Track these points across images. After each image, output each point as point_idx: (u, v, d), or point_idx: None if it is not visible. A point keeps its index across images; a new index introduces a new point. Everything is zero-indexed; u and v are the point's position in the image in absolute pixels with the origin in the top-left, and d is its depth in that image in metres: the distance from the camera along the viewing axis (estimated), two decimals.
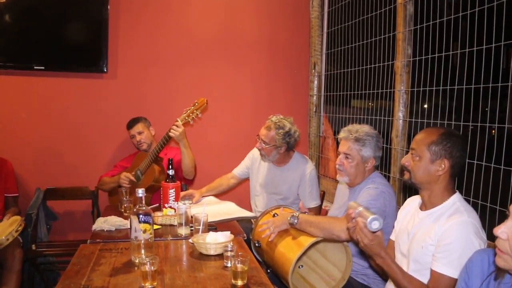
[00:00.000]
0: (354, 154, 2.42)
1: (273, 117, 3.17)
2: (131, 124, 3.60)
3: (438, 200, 1.85)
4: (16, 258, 3.09)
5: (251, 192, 3.47)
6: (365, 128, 2.45)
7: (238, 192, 3.78)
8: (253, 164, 3.45)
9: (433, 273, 1.73)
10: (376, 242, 1.75)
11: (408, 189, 2.80)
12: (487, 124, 2.24)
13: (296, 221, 2.27)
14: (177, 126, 3.11)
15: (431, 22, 2.63)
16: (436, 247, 1.75)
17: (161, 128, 3.56)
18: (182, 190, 3.24)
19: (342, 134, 2.50)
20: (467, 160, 2.29)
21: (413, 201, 2.05)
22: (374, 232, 1.74)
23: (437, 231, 1.77)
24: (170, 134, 3.11)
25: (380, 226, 1.70)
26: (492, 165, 2.17)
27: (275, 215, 2.51)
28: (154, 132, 3.65)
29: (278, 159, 3.21)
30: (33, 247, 3.49)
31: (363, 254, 2.19)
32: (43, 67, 3.76)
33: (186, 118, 3.10)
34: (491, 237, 1.81)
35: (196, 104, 3.10)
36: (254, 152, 3.44)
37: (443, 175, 1.83)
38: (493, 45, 2.17)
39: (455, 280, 1.66)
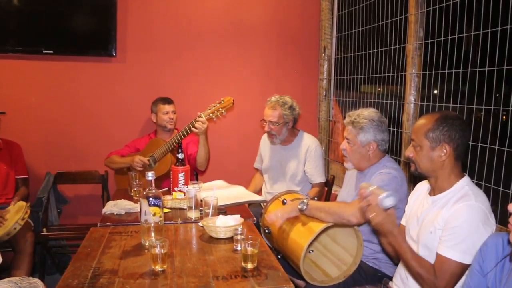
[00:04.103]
0: (352, 139, 2.42)
1: (271, 97, 3.26)
2: (169, 100, 3.58)
3: (445, 185, 1.84)
4: (28, 242, 3.12)
5: (264, 177, 3.52)
6: (366, 112, 2.42)
7: (246, 175, 3.78)
8: (264, 151, 3.53)
9: (437, 256, 1.73)
10: (388, 220, 1.75)
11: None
12: (501, 108, 2.20)
13: (305, 207, 2.26)
14: (202, 122, 3.07)
15: (444, 4, 2.57)
16: (443, 230, 1.75)
17: None
18: (192, 178, 3.26)
19: (345, 119, 2.50)
20: (479, 144, 2.28)
21: (423, 186, 2.04)
22: (386, 210, 1.73)
23: (444, 215, 1.76)
24: (195, 128, 3.08)
25: (393, 203, 1.70)
26: (506, 149, 2.14)
27: (284, 201, 2.49)
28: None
29: (286, 137, 3.30)
30: (44, 230, 3.53)
31: (375, 235, 2.19)
32: (52, 51, 3.76)
33: (211, 114, 3.08)
34: (503, 222, 1.80)
35: (222, 102, 3.07)
36: (262, 140, 3.55)
37: (447, 160, 1.81)
38: (508, 26, 2.12)
39: (460, 264, 1.66)
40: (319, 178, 3.27)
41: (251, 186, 3.58)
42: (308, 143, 3.29)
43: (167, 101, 3.58)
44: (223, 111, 3.07)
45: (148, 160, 3.28)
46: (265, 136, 3.51)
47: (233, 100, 3.08)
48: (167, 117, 3.53)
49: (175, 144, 3.21)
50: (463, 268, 1.66)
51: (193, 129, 3.09)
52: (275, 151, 3.40)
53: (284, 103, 3.20)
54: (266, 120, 3.22)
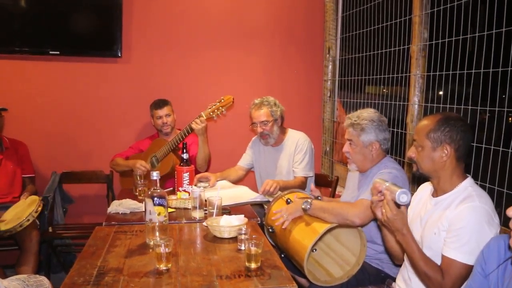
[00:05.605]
0: (355, 140, 2.42)
1: (254, 101, 3.27)
2: (161, 104, 3.55)
3: (448, 186, 1.84)
4: (33, 240, 3.15)
5: (257, 181, 3.52)
6: (365, 114, 2.42)
7: (250, 176, 3.78)
8: (254, 154, 3.52)
9: (443, 258, 1.73)
10: (399, 217, 1.74)
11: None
12: (505, 109, 2.20)
13: (309, 207, 2.27)
14: (201, 121, 3.09)
15: (448, 5, 2.57)
16: (447, 232, 1.75)
17: (175, 113, 3.59)
18: None
19: (345, 122, 2.50)
20: (483, 146, 2.28)
21: (426, 188, 2.04)
22: (399, 207, 1.73)
23: (448, 216, 1.76)
24: (193, 126, 3.10)
25: (407, 200, 1.69)
26: (510, 150, 2.14)
27: (288, 200, 2.50)
28: (176, 118, 3.64)
29: (278, 136, 3.30)
30: (50, 229, 3.55)
31: (380, 231, 2.18)
32: (58, 52, 3.78)
33: (211, 113, 3.09)
34: (506, 224, 1.80)
35: (222, 101, 3.08)
36: (252, 144, 3.55)
37: (448, 161, 1.81)
38: None
39: (465, 265, 1.66)
40: (301, 172, 3.21)
41: (224, 172, 3.46)
42: (296, 138, 3.30)
43: (159, 105, 3.55)
44: (223, 109, 3.08)
45: (149, 161, 3.30)
46: (255, 139, 3.51)
47: (233, 99, 3.09)
48: (160, 122, 3.54)
49: (176, 144, 3.22)
50: (469, 269, 1.65)
51: (192, 126, 3.11)
52: (268, 153, 3.41)
53: (268, 102, 3.22)
54: (257, 122, 3.22)
